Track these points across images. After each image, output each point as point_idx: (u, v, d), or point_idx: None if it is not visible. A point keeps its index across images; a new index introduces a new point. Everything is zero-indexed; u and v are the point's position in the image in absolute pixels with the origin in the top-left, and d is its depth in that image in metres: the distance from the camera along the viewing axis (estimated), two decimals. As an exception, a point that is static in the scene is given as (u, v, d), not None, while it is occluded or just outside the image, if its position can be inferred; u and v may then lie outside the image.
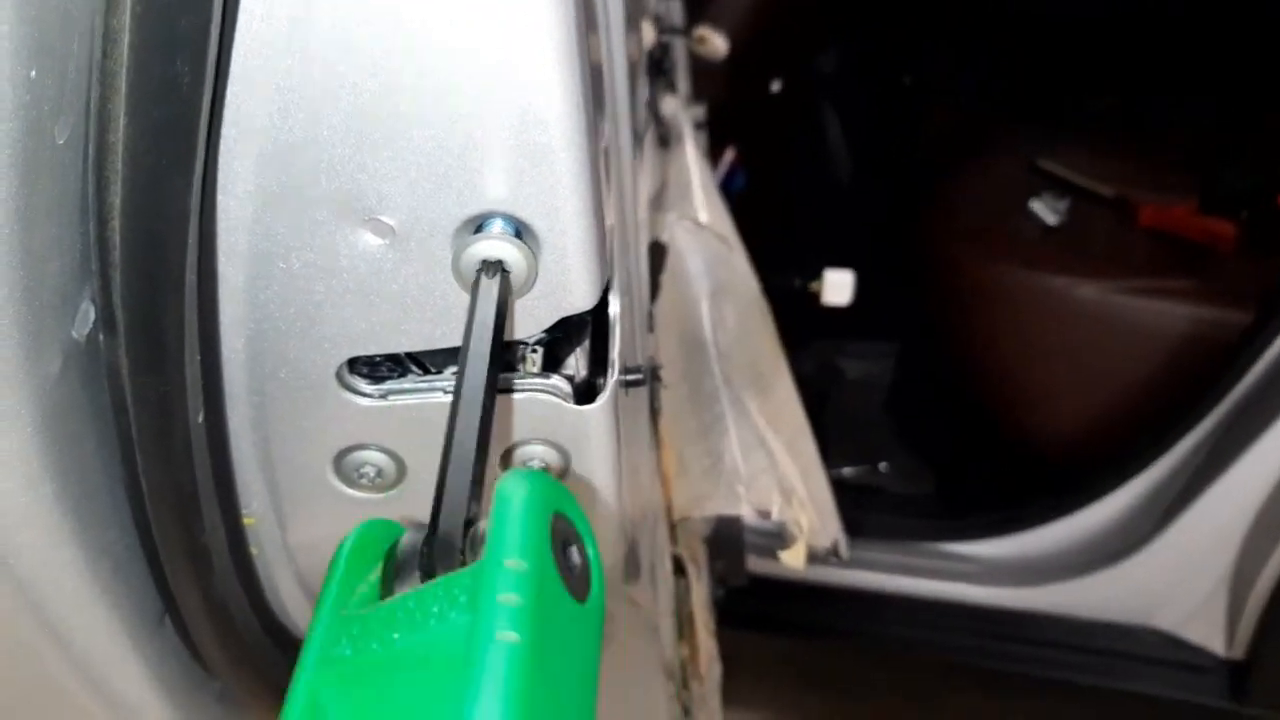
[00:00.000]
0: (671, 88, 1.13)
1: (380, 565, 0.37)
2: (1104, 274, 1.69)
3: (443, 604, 0.32)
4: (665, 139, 1.13)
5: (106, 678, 0.49)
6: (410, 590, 0.34)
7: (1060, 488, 1.70)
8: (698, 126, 1.32)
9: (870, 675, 2.01)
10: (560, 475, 0.50)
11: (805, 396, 1.23)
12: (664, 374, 1.03)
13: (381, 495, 0.50)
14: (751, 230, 1.27)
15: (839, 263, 1.89)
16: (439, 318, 0.44)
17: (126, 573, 0.47)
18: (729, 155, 1.99)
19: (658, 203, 1.11)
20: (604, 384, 0.49)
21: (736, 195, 1.94)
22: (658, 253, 1.06)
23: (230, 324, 0.43)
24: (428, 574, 0.35)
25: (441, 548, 0.35)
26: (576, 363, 0.49)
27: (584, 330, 0.49)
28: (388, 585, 0.36)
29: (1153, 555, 1.52)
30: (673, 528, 1.08)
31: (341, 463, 0.49)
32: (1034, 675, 1.66)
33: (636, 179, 0.65)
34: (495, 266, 0.41)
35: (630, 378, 0.56)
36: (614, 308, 0.51)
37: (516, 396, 0.47)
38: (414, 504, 0.51)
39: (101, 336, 0.40)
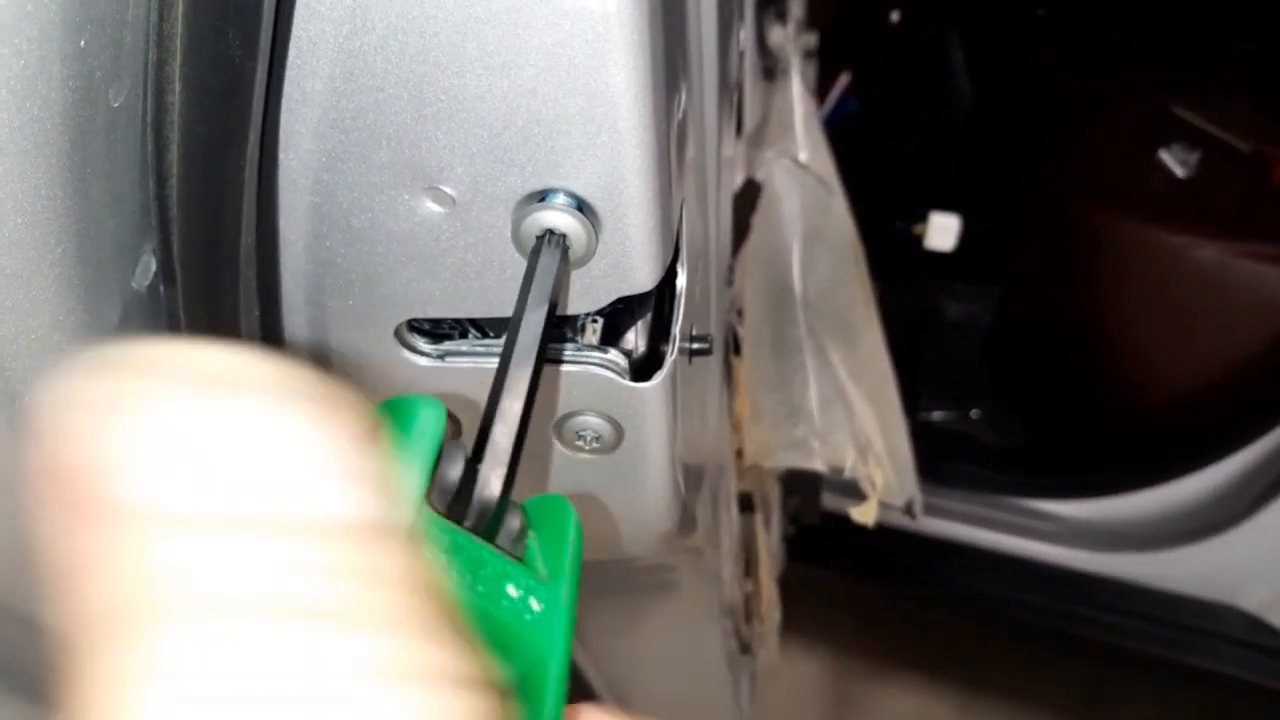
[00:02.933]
0: (781, 17, 1.08)
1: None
2: (1228, 235, 1.60)
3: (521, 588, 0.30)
4: (771, 71, 1.10)
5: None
6: (483, 541, 0.31)
7: (1155, 455, 1.64)
8: (808, 55, 1.27)
9: (932, 623, 2.01)
10: (613, 447, 0.49)
11: (901, 335, 1.20)
12: (746, 319, 1.01)
13: (436, 449, 0.51)
14: (857, 160, 1.23)
15: (946, 201, 1.82)
16: (498, 287, 0.43)
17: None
18: (843, 80, 1.93)
19: (757, 139, 1.07)
20: (663, 359, 0.48)
21: (846, 121, 1.89)
22: (751, 192, 1.03)
23: (291, 278, 0.43)
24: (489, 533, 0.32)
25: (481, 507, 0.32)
26: (636, 336, 0.48)
27: (647, 302, 0.47)
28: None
29: (1244, 534, 1.47)
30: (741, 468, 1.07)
31: (398, 416, 0.49)
32: (1104, 640, 1.63)
33: (722, 135, 0.63)
34: (555, 237, 0.40)
35: (696, 346, 0.55)
36: (681, 281, 0.49)
37: (572, 368, 0.46)
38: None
39: (162, 288, 0.40)
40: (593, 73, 0.36)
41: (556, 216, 0.40)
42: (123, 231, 0.37)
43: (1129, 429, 1.80)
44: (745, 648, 1.22)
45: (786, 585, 1.61)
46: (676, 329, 0.48)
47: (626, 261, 0.42)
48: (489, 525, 0.32)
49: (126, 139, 0.35)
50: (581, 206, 0.40)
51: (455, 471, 0.31)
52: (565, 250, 0.41)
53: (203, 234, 0.36)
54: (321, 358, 0.47)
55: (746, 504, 1.13)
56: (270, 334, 0.44)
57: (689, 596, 0.91)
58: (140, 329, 0.40)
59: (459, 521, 0.30)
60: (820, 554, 1.73)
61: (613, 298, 0.43)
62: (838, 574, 1.82)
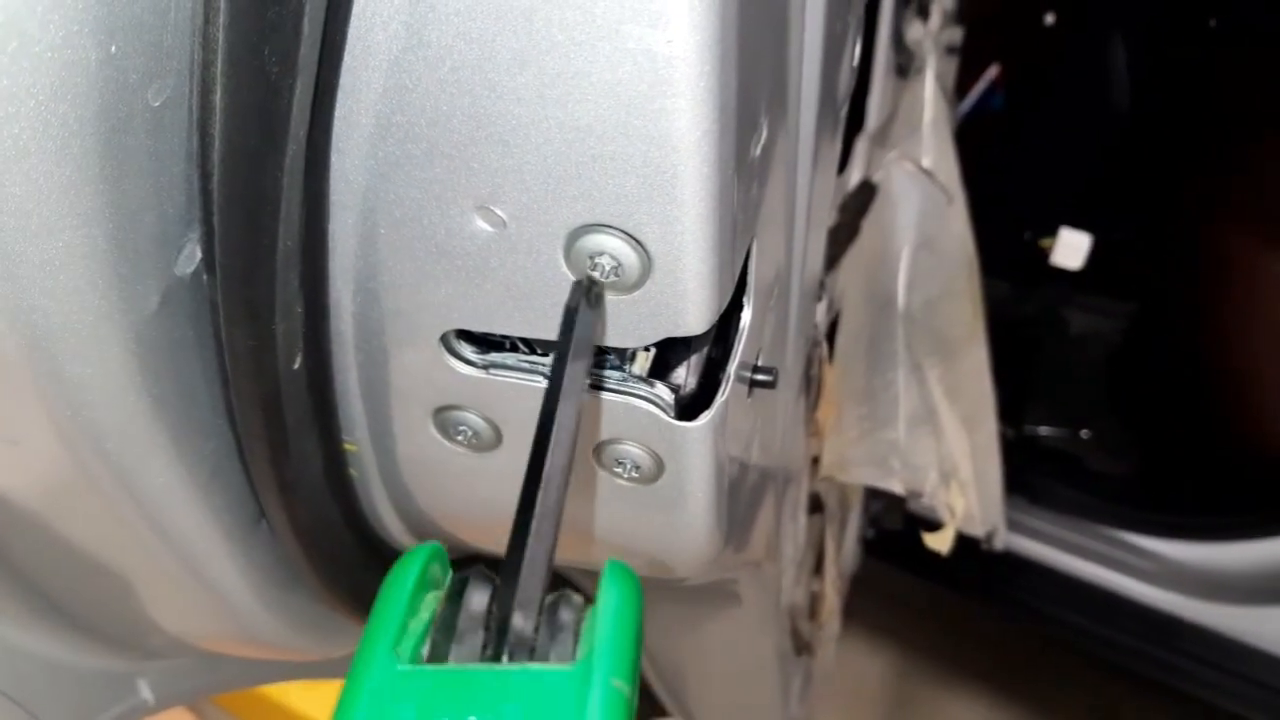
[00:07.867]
0: (922, 13, 1.03)
1: (436, 607, 0.35)
2: (1391, 285, 1.48)
3: (529, 697, 0.31)
4: (904, 68, 1.04)
5: (203, 567, 0.51)
6: (483, 665, 0.32)
7: (1273, 504, 1.55)
8: (949, 51, 1.21)
9: (1004, 637, 1.95)
10: (652, 479, 0.47)
11: (1018, 341, 1.13)
12: (843, 325, 0.98)
13: (478, 455, 0.50)
14: (993, 161, 1.16)
15: (1082, 210, 1.73)
16: (544, 310, 0.41)
17: (224, 478, 0.48)
18: (991, 71, 1.84)
19: (880, 138, 1.03)
20: (713, 397, 0.46)
21: (987, 118, 1.80)
22: (865, 193, 0.99)
23: (339, 276, 0.42)
24: (496, 651, 0.33)
25: (516, 634, 0.32)
26: (687, 372, 0.45)
27: (703, 337, 0.45)
28: (444, 640, 0.34)
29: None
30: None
31: (440, 417, 0.48)
32: (1190, 692, 1.56)
33: (820, 155, 0.59)
34: (606, 263, 0.38)
35: (758, 378, 0.53)
36: (745, 318, 0.47)
37: (615, 397, 0.44)
38: (511, 468, 0.50)
39: (205, 276, 0.39)
40: (653, 117, 0.33)
41: (610, 243, 0.38)
42: (165, 221, 0.37)
43: (1249, 474, 1.70)
44: (802, 647, 1.20)
45: (857, 580, 1.58)
46: (732, 368, 0.46)
47: (678, 304, 0.39)
48: (495, 644, 0.33)
49: (170, 134, 0.34)
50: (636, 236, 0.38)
51: (479, 601, 0.35)
52: (602, 295, 0.39)
53: (241, 238, 0.35)
54: (366, 354, 0.46)
55: (816, 504, 1.10)
56: (314, 330, 0.43)
57: (745, 601, 0.89)
58: (180, 314, 0.40)
59: (486, 648, 0.33)
60: (899, 555, 1.68)
61: (659, 337, 0.41)
62: (915, 576, 1.77)
